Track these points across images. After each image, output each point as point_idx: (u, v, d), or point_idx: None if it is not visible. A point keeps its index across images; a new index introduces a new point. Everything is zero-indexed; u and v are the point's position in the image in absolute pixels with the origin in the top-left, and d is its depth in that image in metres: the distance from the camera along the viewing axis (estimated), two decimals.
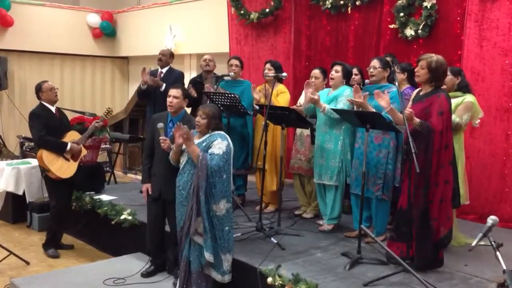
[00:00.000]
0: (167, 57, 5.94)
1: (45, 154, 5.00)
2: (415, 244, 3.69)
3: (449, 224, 3.75)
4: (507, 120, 5.08)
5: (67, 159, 5.08)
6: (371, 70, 4.34)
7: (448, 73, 4.13)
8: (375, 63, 4.35)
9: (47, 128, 4.99)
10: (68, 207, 5.35)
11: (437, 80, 3.67)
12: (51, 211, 5.27)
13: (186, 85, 5.66)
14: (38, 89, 5.11)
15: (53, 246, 5.24)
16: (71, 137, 5.14)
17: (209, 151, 3.67)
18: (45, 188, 5.32)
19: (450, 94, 3.99)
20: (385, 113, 4.09)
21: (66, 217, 5.30)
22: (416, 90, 3.93)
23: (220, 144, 3.67)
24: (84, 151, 5.29)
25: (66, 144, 5.03)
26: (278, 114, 4.65)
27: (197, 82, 5.74)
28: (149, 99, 5.81)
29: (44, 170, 5.07)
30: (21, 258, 4.88)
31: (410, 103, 3.87)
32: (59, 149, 5.03)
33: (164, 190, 4.07)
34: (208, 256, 3.67)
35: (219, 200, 3.67)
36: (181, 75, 5.98)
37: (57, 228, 5.25)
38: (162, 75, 5.87)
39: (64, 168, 5.06)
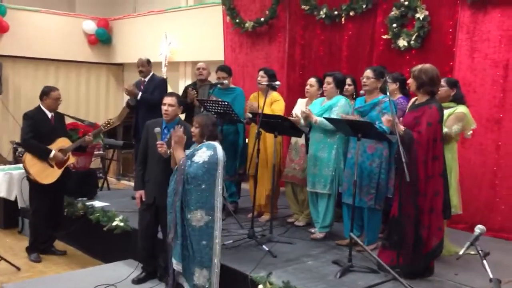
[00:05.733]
0: (146, 67, 5.98)
1: (28, 157, 5.01)
2: (405, 252, 3.71)
3: (440, 234, 3.78)
4: (497, 130, 5.13)
5: (51, 165, 5.05)
6: (364, 80, 4.38)
7: (444, 83, 4.19)
8: (368, 73, 4.38)
9: (37, 132, 4.99)
10: (55, 212, 5.29)
11: (423, 86, 3.71)
12: (31, 216, 5.28)
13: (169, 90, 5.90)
14: (45, 93, 5.10)
15: (36, 250, 5.21)
16: (61, 144, 5.10)
17: (192, 159, 3.63)
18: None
19: (444, 104, 4.03)
20: (379, 123, 4.13)
21: (53, 222, 5.28)
22: (413, 100, 3.97)
23: (203, 153, 3.60)
24: (72, 159, 5.23)
25: (50, 151, 4.99)
26: (271, 122, 4.68)
27: (194, 89, 5.77)
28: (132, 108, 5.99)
29: (26, 173, 5.07)
30: (12, 264, 4.85)
31: (407, 111, 3.93)
32: (42, 155, 5.00)
33: (159, 196, 4.04)
34: (174, 263, 3.63)
35: (195, 209, 3.56)
36: (162, 81, 6.09)
37: (37, 233, 5.22)
38: (145, 83, 5.95)
39: (46, 174, 5.02)
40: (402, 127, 3.61)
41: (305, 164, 5.03)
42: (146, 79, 5.96)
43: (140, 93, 5.75)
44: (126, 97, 9.57)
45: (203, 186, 3.55)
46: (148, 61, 6.04)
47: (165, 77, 8.36)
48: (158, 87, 5.81)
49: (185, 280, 3.65)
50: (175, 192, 3.63)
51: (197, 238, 3.57)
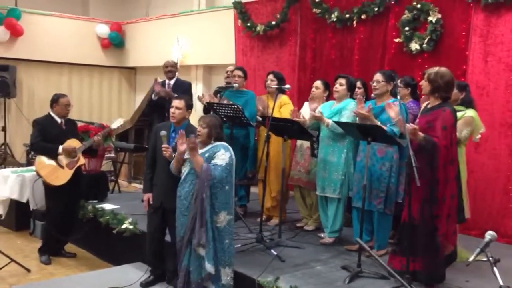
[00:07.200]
0: (175, 68, 6.07)
1: (38, 160, 5.06)
2: (423, 260, 3.64)
3: (455, 239, 3.74)
4: (511, 135, 5.04)
5: (62, 166, 5.07)
6: (374, 84, 4.34)
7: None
8: (378, 76, 4.34)
9: (47, 136, 5.04)
10: (69, 215, 5.31)
11: (438, 91, 3.64)
12: (46, 218, 5.31)
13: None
14: (54, 100, 5.17)
15: (47, 252, 5.24)
16: (70, 144, 5.12)
17: (212, 162, 3.66)
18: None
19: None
20: (389, 126, 4.09)
21: (65, 225, 5.30)
22: (425, 103, 3.91)
23: (223, 155, 3.66)
24: (82, 160, 5.26)
25: (58, 147, 5.02)
26: (281, 126, 4.65)
27: (219, 92, 5.76)
28: (159, 110, 5.88)
29: (39, 176, 5.10)
30: (22, 266, 4.88)
31: (419, 115, 3.87)
32: (51, 152, 5.03)
33: (166, 199, 4.05)
34: (209, 267, 3.63)
35: (219, 211, 3.65)
36: (189, 86, 6.10)
37: (50, 235, 5.24)
38: (170, 86, 5.93)
39: (56, 175, 5.04)
40: (421, 134, 3.55)
41: (309, 167, 5.00)
42: (172, 82, 6.00)
43: (176, 95, 5.70)
44: (139, 101, 9.61)
45: (226, 188, 3.66)
46: (176, 64, 6.13)
47: None
48: (186, 90, 5.85)
49: (212, 283, 3.69)
50: (197, 197, 3.62)
51: (221, 238, 3.67)
